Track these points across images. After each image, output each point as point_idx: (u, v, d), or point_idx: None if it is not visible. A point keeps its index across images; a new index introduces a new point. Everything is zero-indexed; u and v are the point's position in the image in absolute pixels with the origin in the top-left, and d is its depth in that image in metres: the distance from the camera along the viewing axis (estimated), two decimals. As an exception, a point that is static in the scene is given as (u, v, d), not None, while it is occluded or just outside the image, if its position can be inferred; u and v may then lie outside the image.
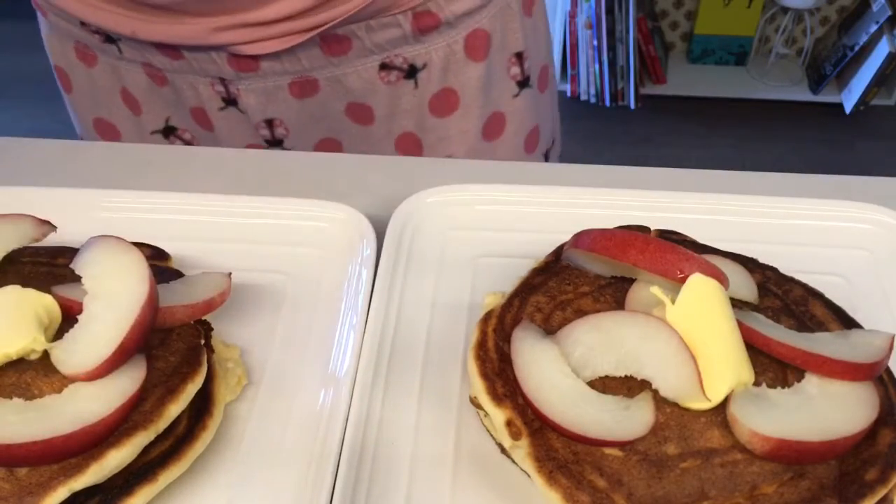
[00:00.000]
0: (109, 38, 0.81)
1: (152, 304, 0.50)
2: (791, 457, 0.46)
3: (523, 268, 0.58)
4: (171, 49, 0.78)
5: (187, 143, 0.89)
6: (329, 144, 0.87)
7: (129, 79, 0.84)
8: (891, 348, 0.50)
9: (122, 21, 0.76)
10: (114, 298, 0.50)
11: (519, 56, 0.87)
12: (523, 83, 0.89)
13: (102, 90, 0.87)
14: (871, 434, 0.47)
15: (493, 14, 0.82)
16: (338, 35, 0.77)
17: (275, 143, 0.86)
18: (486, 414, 0.50)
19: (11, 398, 0.47)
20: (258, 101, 0.82)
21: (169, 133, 0.89)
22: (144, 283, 0.50)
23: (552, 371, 0.49)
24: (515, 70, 0.87)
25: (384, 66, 0.80)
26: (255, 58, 0.78)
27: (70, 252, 0.57)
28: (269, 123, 0.84)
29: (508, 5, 0.84)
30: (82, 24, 0.80)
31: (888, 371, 0.52)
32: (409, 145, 0.87)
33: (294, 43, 0.76)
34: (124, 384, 0.48)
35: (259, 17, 0.74)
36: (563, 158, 1.02)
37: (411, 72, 0.81)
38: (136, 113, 0.88)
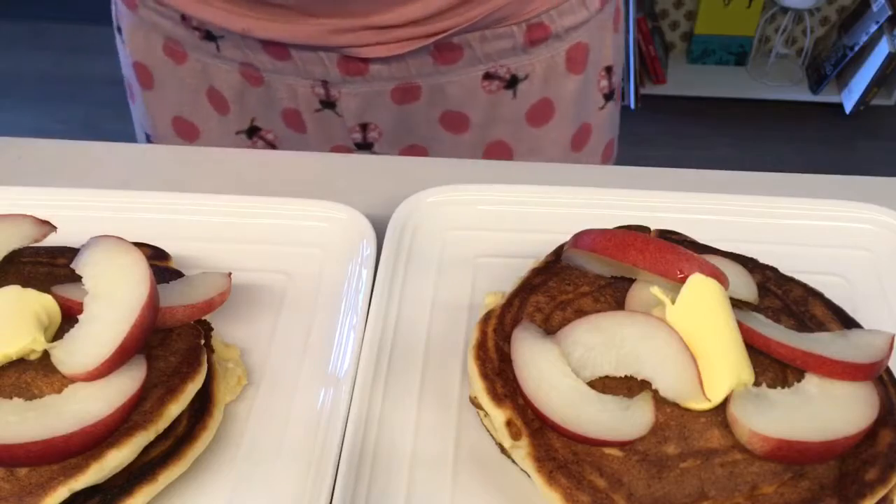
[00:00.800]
0: (209, 36, 0.80)
1: (153, 304, 0.50)
2: (791, 457, 0.46)
3: (523, 268, 0.58)
4: (280, 48, 0.78)
5: (270, 143, 0.89)
6: (415, 150, 0.88)
7: (220, 78, 0.84)
8: (891, 348, 0.50)
9: (233, 19, 0.76)
10: (114, 299, 0.50)
11: (608, 70, 0.89)
12: (609, 96, 0.91)
13: (187, 88, 0.87)
14: (871, 434, 0.47)
15: (592, 29, 0.84)
16: (452, 43, 0.78)
17: (365, 145, 0.87)
18: (486, 414, 0.50)
19: (11, 398, 0.47)
20: (358, 105, 0.82)
21: (252, 133, 0.89)
22: (145, 283, 0.50)
23: (552, 371, 0.49)
24: (604, 83, 0.89)
25: (488, 76, 0.81)
26: (365, 61, 0.78)
27: (70, 252, 0.57)
28: (364, 127, 0.85)
29: (605, 20, 0.85)
30: (183, 18, 0.80)
31: (888, 371, 0.52)
32: (499, 153, 0.88)
33: (411, 48, 0.76)
34: (124, 384, 0.48)
35: (382, 21, 0.74)
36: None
37: (512, 82, 0.82)
38: (223, 112, 0.87)
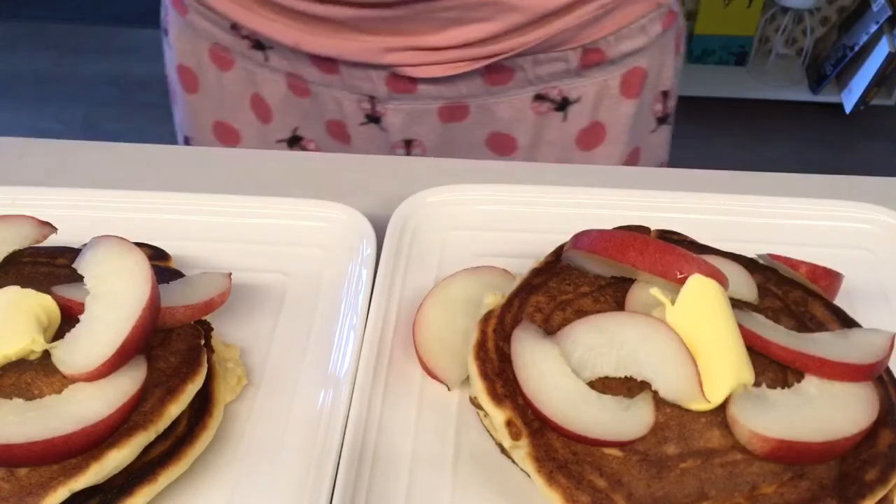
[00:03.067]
0: (259, 45, 0.80)
1: (154, 305, 0.50)
2: (791, 457, 0.46)
3: (523, 268, 0.58)
4: (329, 63, 0.78)
5: None
6: None
7: (266, 87, 0.84)
8: (891, 348, 0.50)
9: (285, 31, 0.76)
10: (116, 299, 0.50)
11: (665, 94, 0.87)
12: (663, 119, 0.89)
13: (231, 95, 0.86)
14: (871, 434, 0.47)
15: (652, 53, 0.82)
16: (503, 66, 0.77)
17: None
18: (486, 414, 0.50)
19: (11, 398, 0.47)
20: (403, 121, 0.81)
21: (294, 143, 0.88)
22: (146, 284, 0.50)
23: (552, 371, 0.49)
24: (658, 107, 0.88)
25: (538, 98, 0.80)
26: (414, 80, 0.77)
27: (70, 252, 0.58)
28: (408, 143, 0.84)
29: (666, 45, 0.84)
30: (233, 27, 0.79)
31: (888, 371, 0.52)
32: None
33: (462, 70, 0.75)
34: (124, 384, 0.48)
35: (433, 42, 0.74)
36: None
37: (563, 104, 0.81)
38: (265, 121, 0.87)
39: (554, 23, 0.74)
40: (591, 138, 0.84)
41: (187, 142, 0.95)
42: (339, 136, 0.85)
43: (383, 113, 0.81)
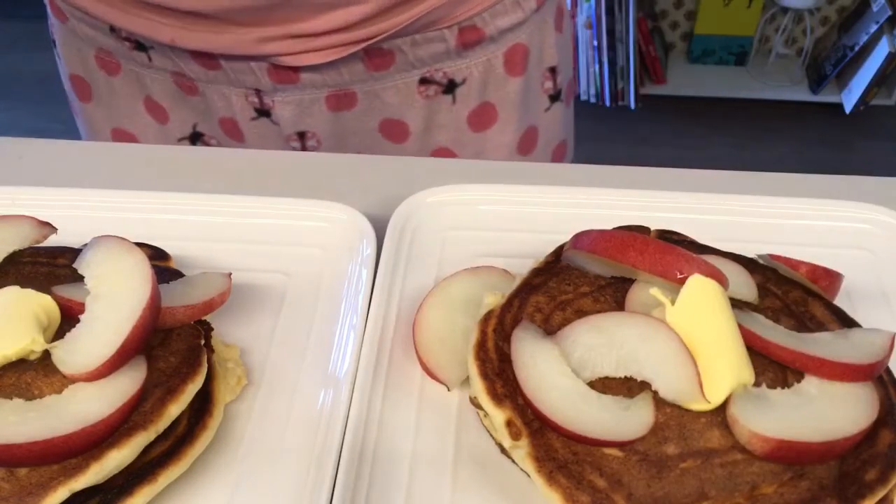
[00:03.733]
0: (140, 46, 0.80)
1: (155, 305, 0.50)
2: (791, 457, 0.46)
3: (523, 268, 0.58)
4: (209, 58, 0.78)
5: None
6: None
7: (155, 87, 0.84)
8: (891, 348, 0.50)
9: (160, 28, 0.75)
10: (116, 299, 0.50)
11: (552, 70, 0.88)
12: (555, 97, 0.89)
13: (124, 99, 0.86)
14: (871, 434, 0.47)
15: (531, 29, 0.82)
16: (382, 49, 0.77)
17: None
18: (486, 414, 0.50)
19: (12, 398, 0.47)
20: (292, 113, 0.82)
21: (195, 139, 0.88)
22: (147, 284, 0.50)
23: (552, 371, 0.49)
24: (549, 84, 0.88)
25: (424, 81, 0.80)
26: (296, 70, 0.77)
27: (70, 252, 0.58)
28: (301, 136, 0.84)
29: (545, 20, 0.84)
30: (112, 30, 0.79)
31: (888, 371, 0.52)
32: None
33: (340, 55, 0.75)
34: (124, 384, 0.48)
35: (308, 29, 0.73)
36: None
37: (450, 87, 0.81)
38: (162, 121, 0.87)
39: (424, 2, 0.74)
40: (482, 119, 0.84)
41: None
42: (233, 134, 0.86)
43: (271, 106, 0.81)
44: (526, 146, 0.89)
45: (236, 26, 0.74)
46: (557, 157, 0.95)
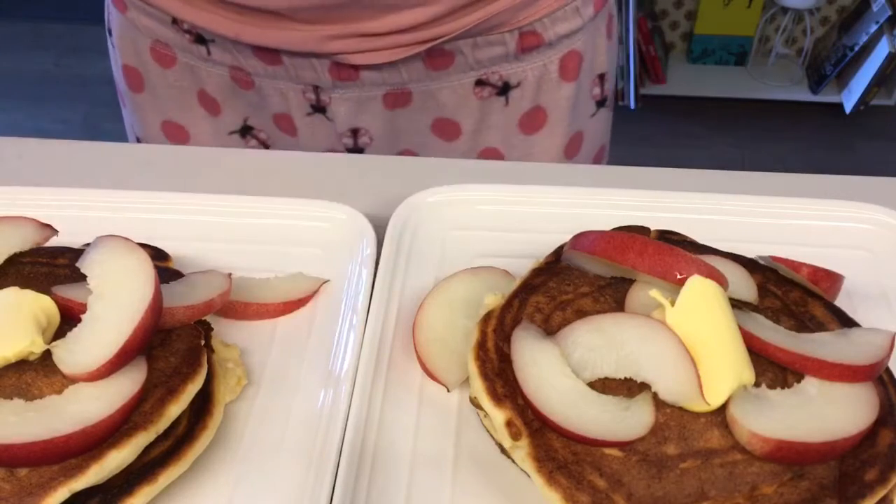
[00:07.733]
0: (200, 39, 0.80)
1: (157, 306, 0.50)
2: (791, 457, 0.46)
3: (523, 268, 0.58)
4: (271, 54, 0.78)
5: (262, 142, 0.89)
6: (408, 156, 0.88)
7: (210, 81, 0.84)
8: (891, 348, 0.50)
9: (225, 23, 0.76)
10: (118, 299, 0.50)
11: (601, 77, 0.89)
12: (601, 103, 0.91)
13: (177, 91, 0.86)
14: (871, 434, 0.47)
15: (585, 37, 0.83)
16: (443, 50, 0.78)
17: (356, 150, 0.87)
18: (486, 414, 0.50)
19: (12, 398, 0.47)
20: (349, 110, 0.82)
21: (246, 133, 0.88)
22: (150, 285, 0.50)
23: (552, 372, 0.49)
24: (597, 91, 0.89)
25: (479, 83, 0.81)
26: (357, 68, 0.78)
27: (70, 252, 0.58)
28: (355, 132, 0.85)
29: (598, 27, 0.85)
30: (174, 21, 0.80)
31: (888, 371, 0.52)
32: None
33: (403, 55, 0.76)
34: (125, 385, 0.48)
35: (374, 28, 0.74)
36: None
37: (504, 89, 0.82)
38: (214, 114, 0.87)
39: (490, 5, 0.75)
40: (532, 122, 0.85)
41: (138, 142, 0.95)
42: (286, 129, 0.86)
43: (328, 102, 0.82)
44: (571, 150, 0.90)
45: (302, 23, 0.74)
46: (597, 160, 0.96)
